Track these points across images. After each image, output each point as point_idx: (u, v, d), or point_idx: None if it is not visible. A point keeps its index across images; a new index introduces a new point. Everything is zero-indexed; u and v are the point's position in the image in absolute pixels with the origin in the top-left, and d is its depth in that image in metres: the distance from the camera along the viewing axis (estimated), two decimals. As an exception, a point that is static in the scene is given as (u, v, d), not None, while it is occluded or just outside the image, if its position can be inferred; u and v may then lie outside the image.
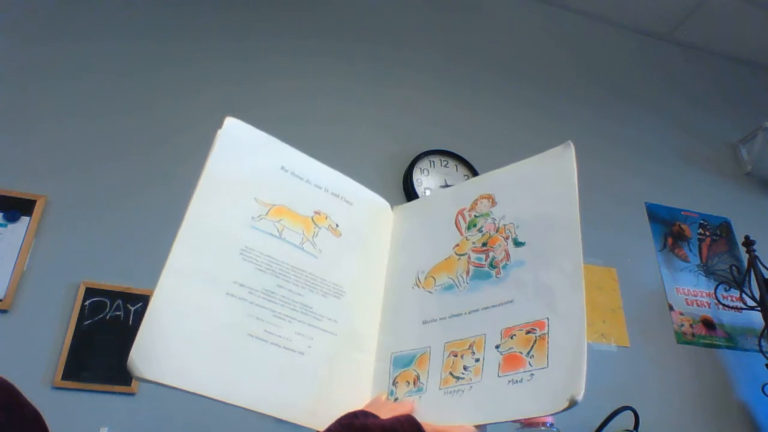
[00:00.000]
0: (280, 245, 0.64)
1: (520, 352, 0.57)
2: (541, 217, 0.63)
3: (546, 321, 0.57)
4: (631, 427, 1.51)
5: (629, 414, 1.51)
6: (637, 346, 1.80)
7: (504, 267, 0.63)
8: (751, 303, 1.86)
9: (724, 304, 1.97)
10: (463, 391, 0.58)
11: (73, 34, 1.72)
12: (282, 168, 0.68)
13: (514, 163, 0.70)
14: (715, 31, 2.57)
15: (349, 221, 0.71)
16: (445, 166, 1.88)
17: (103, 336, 1.34)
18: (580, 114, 2.23)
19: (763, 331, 1.81)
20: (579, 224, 0.60)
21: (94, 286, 1.39)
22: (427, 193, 1.79)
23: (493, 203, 0.69)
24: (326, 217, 0.69)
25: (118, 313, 1.37)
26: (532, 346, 0.56)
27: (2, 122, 1.53)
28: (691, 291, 2.00)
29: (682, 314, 1.93)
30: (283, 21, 2.00)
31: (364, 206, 0.74)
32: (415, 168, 1.82)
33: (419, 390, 0.61)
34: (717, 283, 2.00)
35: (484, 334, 0.60)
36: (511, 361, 0.57)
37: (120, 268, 1.42)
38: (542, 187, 0.66)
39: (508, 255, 0.64)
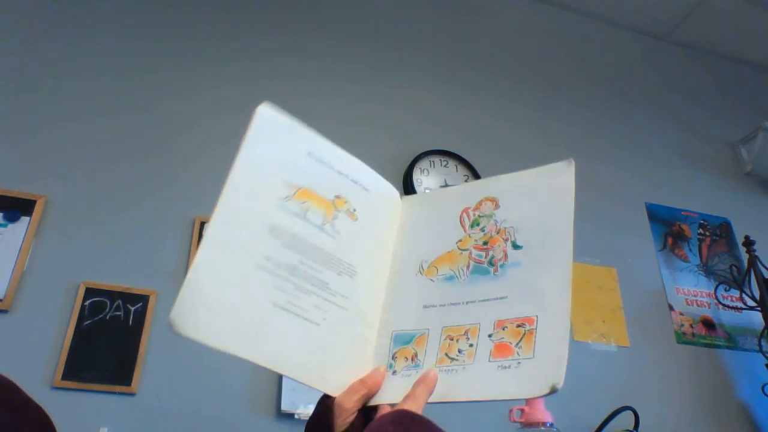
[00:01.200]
0: (304, 225, 0.70)
1: (510, 343, 0.63)
2: (538, 225, 0.70)
3: (535, 318, 0.63)
4: (631, 427, 1.51)
5: (629, 414, 1.51)
6: (637, 346, 1.80)
7: (502, 266, 0.69)
8: (751, 303, 1.86)
9: (724, 304, 1.97)
10: (456, 371, 0.64)
11: (73, 35, 1.72)
12: (309, 154, 0.75)
13: (519, 172, 0.77)
14: (715, 31, 2.57)
15: (365, 207, 0.77)
16: (445, 166, 1.88)
17: (103, 336, 1.34)
18: (580, 114, 2.23)
19: (763, 331, 1.81)
20: (572, 236, 0.66)
21: (94, 286, 1.39)
22: (427, 192, 1.79)
23: (497, 206, 0.75)
24: (345, 202, 0.75)
25: (118, 313, 1.37)
26: (521, 338, 0.62)
27: (2, 122, 1.53)
28: (691, 291, 2.00)
29: (682, 314, 1.93)
30: (284, 21, 2.00)
31: (378, 194, 0.81)
32: (415, 168, 1.83)
33: (416, 366, 0.67)
34: (717, 283, 2.00)
35: (479, 323, 0.66)
36: (501, 349, 0.63)
37: (120, 268, 1.42)
38: (542, 198, 0.72)
39: (506, 255, 0.70)
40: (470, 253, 0.73)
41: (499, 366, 0.61)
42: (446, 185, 1.82)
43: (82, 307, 1.35)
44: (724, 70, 2.68)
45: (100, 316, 1.36)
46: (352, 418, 0.64)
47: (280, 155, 0.72)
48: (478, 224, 0.75)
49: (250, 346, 0.61)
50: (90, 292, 1.38)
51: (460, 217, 0.77)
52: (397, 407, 0.60)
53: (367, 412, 0.66)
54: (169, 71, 1.76)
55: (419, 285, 0.74)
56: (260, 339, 0.62)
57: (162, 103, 1.69)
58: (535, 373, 0.58)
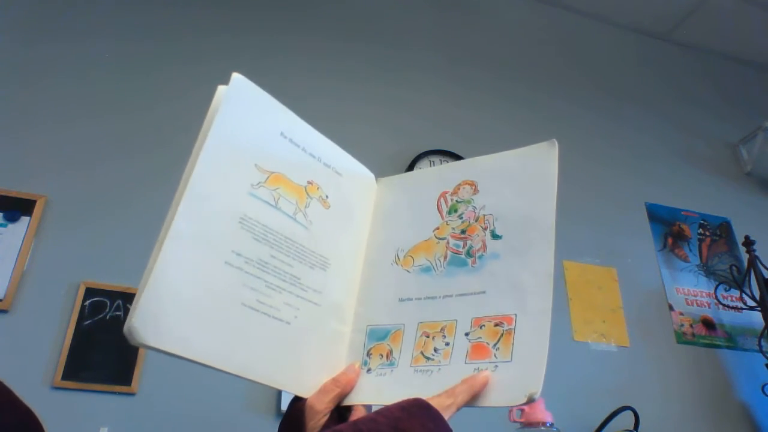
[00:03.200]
0: (275, 215, 0.65)
1: (487, 343, 0.59)
2: (519, 214, 0.65)
3: (514, 317, 0.59)
4: (631, 427, 1.51)
5: (629, 414, 1.51)
6: (637, 346, 1.80)
7: (480, 257, 0.65)
8: (751, 303, 1.86)
9: (724, 304, 1.97)
10: (431, 372, 0.61)
11: (73, 34, 1.73)
12: (281, 134, 0.70)
13: (499, 153, 0.72)
14: (715, 31, 2.57)
15: (337, 193, 0.73)
16: (445, 166, 1.88)
17: (103, 336, 1.34)
18: (581, 114, 2.23)
19: (763, 331, 1.81)
20: (554, 228, 0.62)
21: (94, 286, 1.39)
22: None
23: (475, 191, 0.70)
24: (318, 188, 0.71)
25: (118, 313, 1.37)
26: (499, 339, 0.59)
27: (2, 122, 1.53)
28: (691, 291, 2.00)
29: (682, 314, 1.93)
30: (283, 21, 2.00)
31: (351, 178, 0.76)
32: (415, 168, 1.83)
33: (391, 364, 0.64)
34: (717, 283, 2.00)
35: (456, 320, 0.63)
36: (478, 350, 0.60)
37: (120, 268, 1.42)
38: (523, 183, 0.67)
39: (484, 246, 0.66)
40: (447, 243, 0.68)
41: (475, 369, 0.58)
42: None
43: (82, 307, 1.35)
44: (724, 70, 2.68)
45: (100, 316, 1.36)
46: (324, 419, 0.60)
47: (253, 134, 0.66)
48: (456, 210, 0.70)
49: (219, 353, 0.57)
50: (90, 292, 1.38)
51: (438, 203, 0.72)
52: (424, 397, 0.56)
53: (341, 413, 0.63)
54: (168, 71, 1.76)
55: (395, 276, 0.70)
56: (229, 344, 0.58)
57: (162, 103, 1.69)
58: (512, 379, 0.55)
